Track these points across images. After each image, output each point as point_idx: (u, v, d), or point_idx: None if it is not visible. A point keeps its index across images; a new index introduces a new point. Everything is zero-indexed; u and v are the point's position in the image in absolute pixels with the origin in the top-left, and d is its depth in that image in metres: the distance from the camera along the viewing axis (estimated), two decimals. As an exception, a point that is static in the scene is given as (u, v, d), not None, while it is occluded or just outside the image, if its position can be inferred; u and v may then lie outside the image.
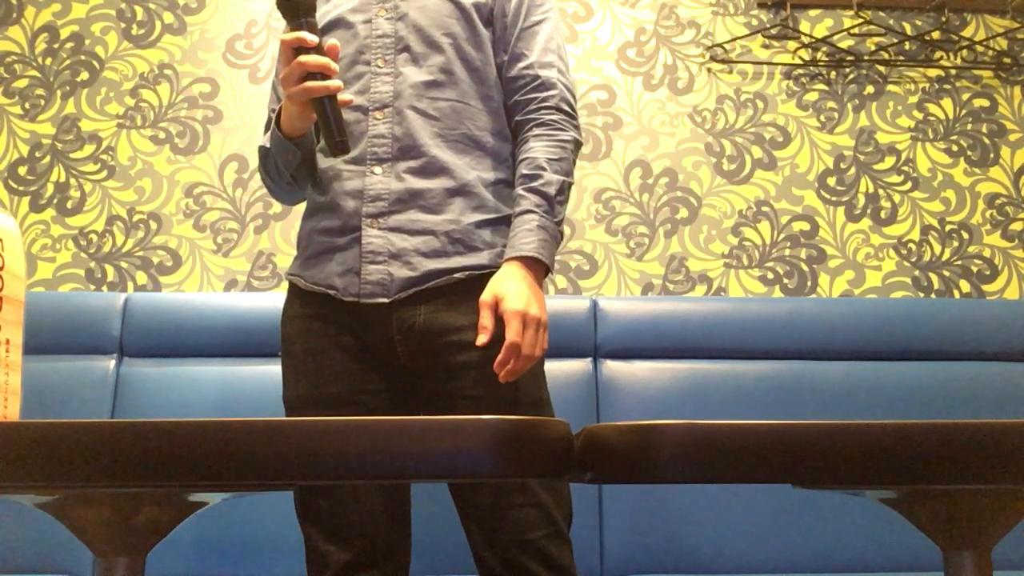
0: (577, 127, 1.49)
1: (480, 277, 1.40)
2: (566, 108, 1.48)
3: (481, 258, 1.41)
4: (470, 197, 1.42)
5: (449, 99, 1.44)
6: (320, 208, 1.46)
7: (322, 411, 1.38)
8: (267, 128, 1.52)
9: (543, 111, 1.47)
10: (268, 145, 1.44)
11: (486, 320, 1.32)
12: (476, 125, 1.45)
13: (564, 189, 1.43)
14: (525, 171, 1.43)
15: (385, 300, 1.38)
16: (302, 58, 1.28)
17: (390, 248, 1.39)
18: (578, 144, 1.49)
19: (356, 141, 1.43)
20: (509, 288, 1.33)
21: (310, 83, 1.28)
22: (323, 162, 1.48)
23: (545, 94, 1.48)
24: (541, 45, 1.50)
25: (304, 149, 1.43)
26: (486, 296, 1.33)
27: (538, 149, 1.44)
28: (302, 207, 1.55)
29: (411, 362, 1.40)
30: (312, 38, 1.29)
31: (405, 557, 1.41)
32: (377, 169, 1.41)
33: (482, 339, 1.31)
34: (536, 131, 1.46)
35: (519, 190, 1.42)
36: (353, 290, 1.39)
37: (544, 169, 1.41)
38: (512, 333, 1.30)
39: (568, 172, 1.45)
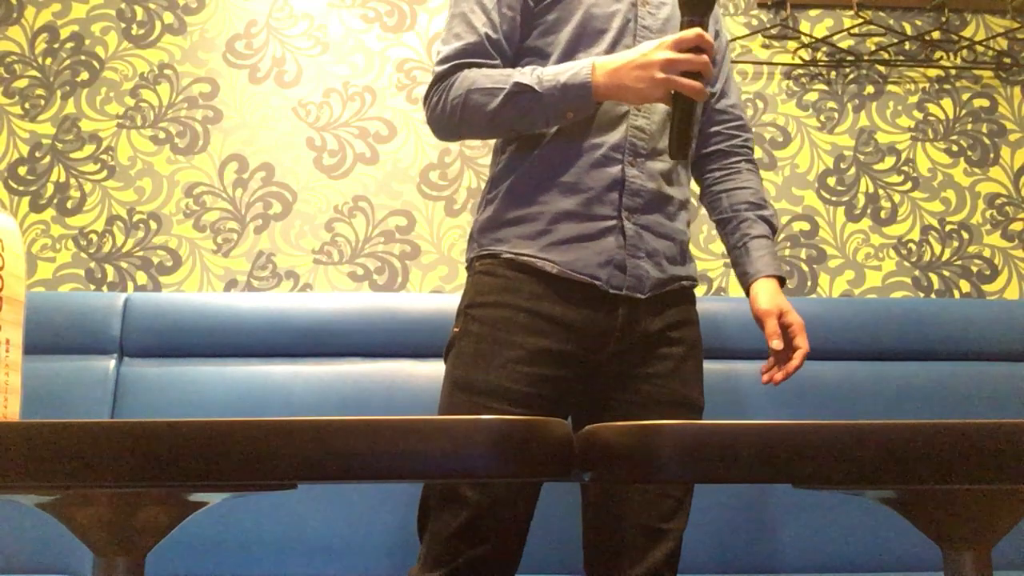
0: None
1: (690, 288, 1.50)
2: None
3: (692, 271, 1.50)
4: (687, 212, 1.51)
5: None
6: (556, 187, 1.41)
7: (507, 405, 1.34)
8: (466, 55, 1.41)
9: (747, 150, 1.61)
10: (540, 90, 1.35)
11: (775, 327, 1.44)
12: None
13: None
14: (751, 199, 1.56)
15: (641, 296, 1.40)
16: (704, 58, 1.29)
17: (646, 246, 1.41)
18: None
19: (614, 124, 1.42)
20: (785, 303, 1.47)
21: (699, 84, 1.29)
22: (568, 140, 1.42)
23: (747, 135, 1.61)
24: (737, 91, 1.63)
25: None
26: (769, 307, 1.45)
27: (756, 183, 1.58)
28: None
29: (614, 358, 1.40)
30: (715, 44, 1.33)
31: (519, 557, 1.39)
32: (635, 162, 1.42)
33: (779, 343, 1.42)
34: (748, 166, 1.60)
35: (750, 214, 1.54)
36: (616, 282, 1.39)
37: (767, 203, 1.57)
38: (805, 343, 1.45)
39: None
